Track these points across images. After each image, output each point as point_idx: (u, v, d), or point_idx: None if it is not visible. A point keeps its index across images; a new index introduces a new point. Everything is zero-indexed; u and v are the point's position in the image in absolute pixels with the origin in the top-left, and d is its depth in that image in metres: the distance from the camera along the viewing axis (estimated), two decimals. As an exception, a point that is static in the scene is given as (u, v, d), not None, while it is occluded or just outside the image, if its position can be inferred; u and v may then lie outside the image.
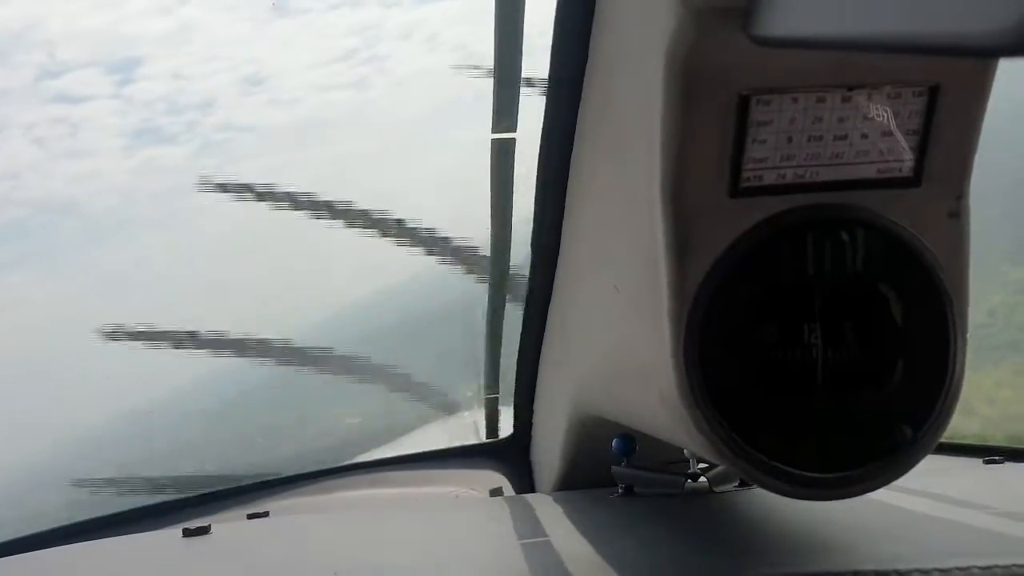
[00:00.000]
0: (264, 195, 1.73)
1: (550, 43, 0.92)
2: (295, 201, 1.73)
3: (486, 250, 1.57)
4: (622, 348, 0.79)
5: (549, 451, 1.37)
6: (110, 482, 1.92)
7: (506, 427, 1.77)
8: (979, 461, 1.25)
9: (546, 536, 0.92)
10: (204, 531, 1.07)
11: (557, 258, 1.13)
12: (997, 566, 0.67)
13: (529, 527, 0.99)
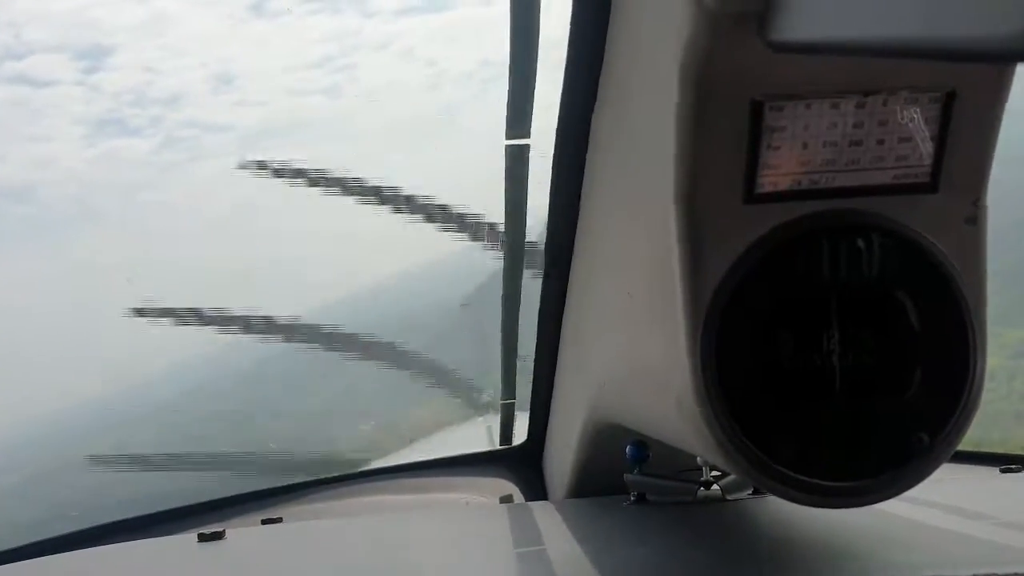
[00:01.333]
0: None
1: (565, 49, 0.92)
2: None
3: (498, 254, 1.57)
4: (637, 354, 0.78)
5: (562, 458, 1.36)
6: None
7: (520, 433, 1.77)
8: (996, 470, 1.24)
9: (556, 544, 0.92)
10: (219, 536, 1.07)
11: (571, 264, 1.13)
12: (1017, 575, 0.67)
13: (539, 535, 0.98)
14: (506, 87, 1.20)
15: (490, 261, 1.57)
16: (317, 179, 1.76)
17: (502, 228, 1.50)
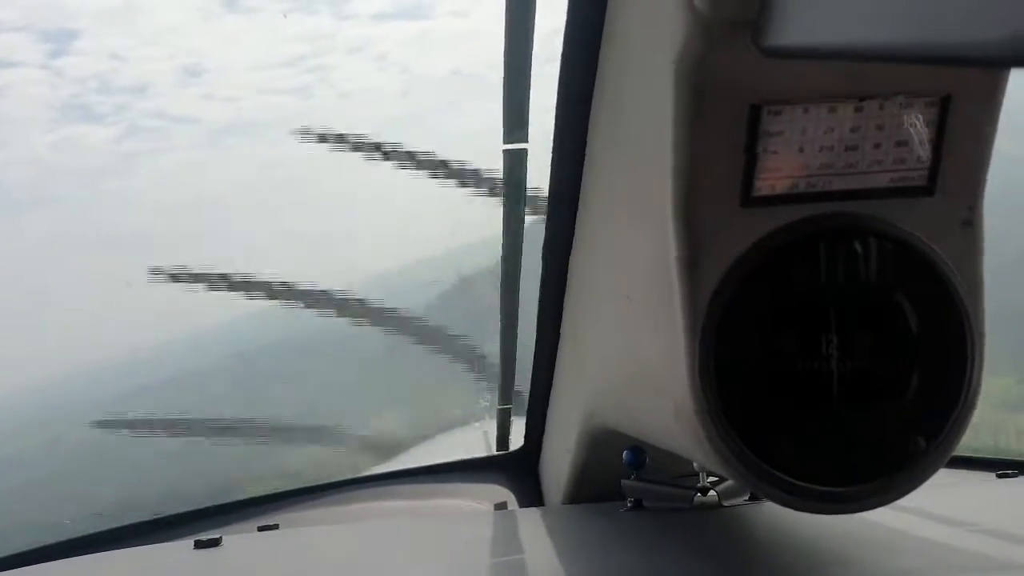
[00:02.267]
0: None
1: (560, 53, 0.92)
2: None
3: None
4: (635, 359, 0.78)
5: (559, 464, 1.36)
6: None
7: (517, 439, 1.77)
8: (992, 475, 1.24)
9: (547, 551, 0.92)
10: (215, 543, 1.07)
11: (569, 268, 1.13)
12: None
13: (530, 542, 0.98)
14: (500, 92, 1.20)
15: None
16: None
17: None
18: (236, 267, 1.85)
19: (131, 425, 2.02)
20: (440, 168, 1.57)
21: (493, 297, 1.62)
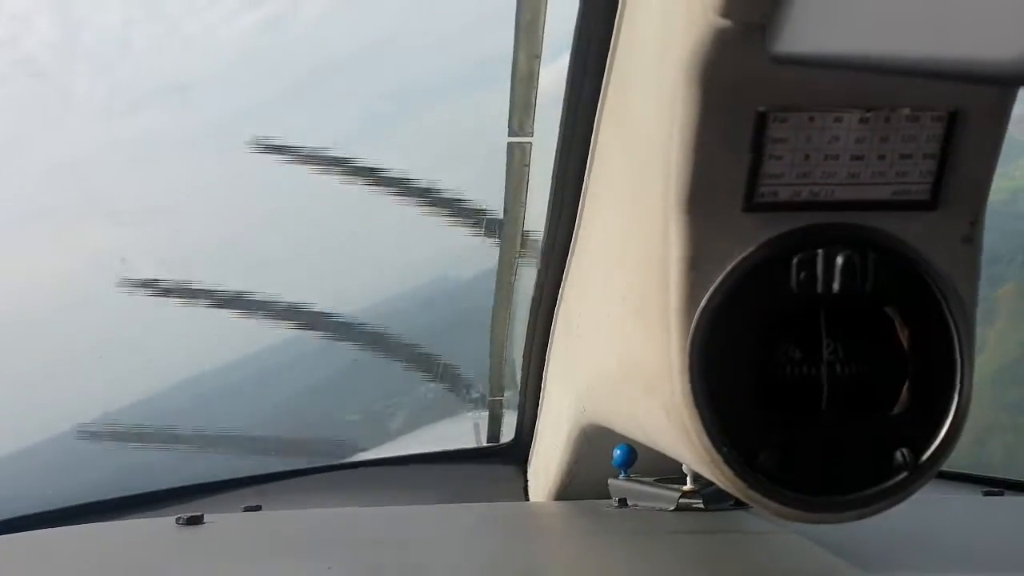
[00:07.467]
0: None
1: (569, 49, 0.92)
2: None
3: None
4: (628, 358, 0.78)
5: (547, 459, 1.36)
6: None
7: (508, 432, 1.77)
8: (979, 493, 1.24)
9: (529, 546, 0.92)
10: (198, 520, 1.07)
11: (566, 263, 1.13)
12: None
13: (519, 535, 0.98)
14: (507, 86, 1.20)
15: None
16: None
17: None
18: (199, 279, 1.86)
19: (117, 437, 2.03)
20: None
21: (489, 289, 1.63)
